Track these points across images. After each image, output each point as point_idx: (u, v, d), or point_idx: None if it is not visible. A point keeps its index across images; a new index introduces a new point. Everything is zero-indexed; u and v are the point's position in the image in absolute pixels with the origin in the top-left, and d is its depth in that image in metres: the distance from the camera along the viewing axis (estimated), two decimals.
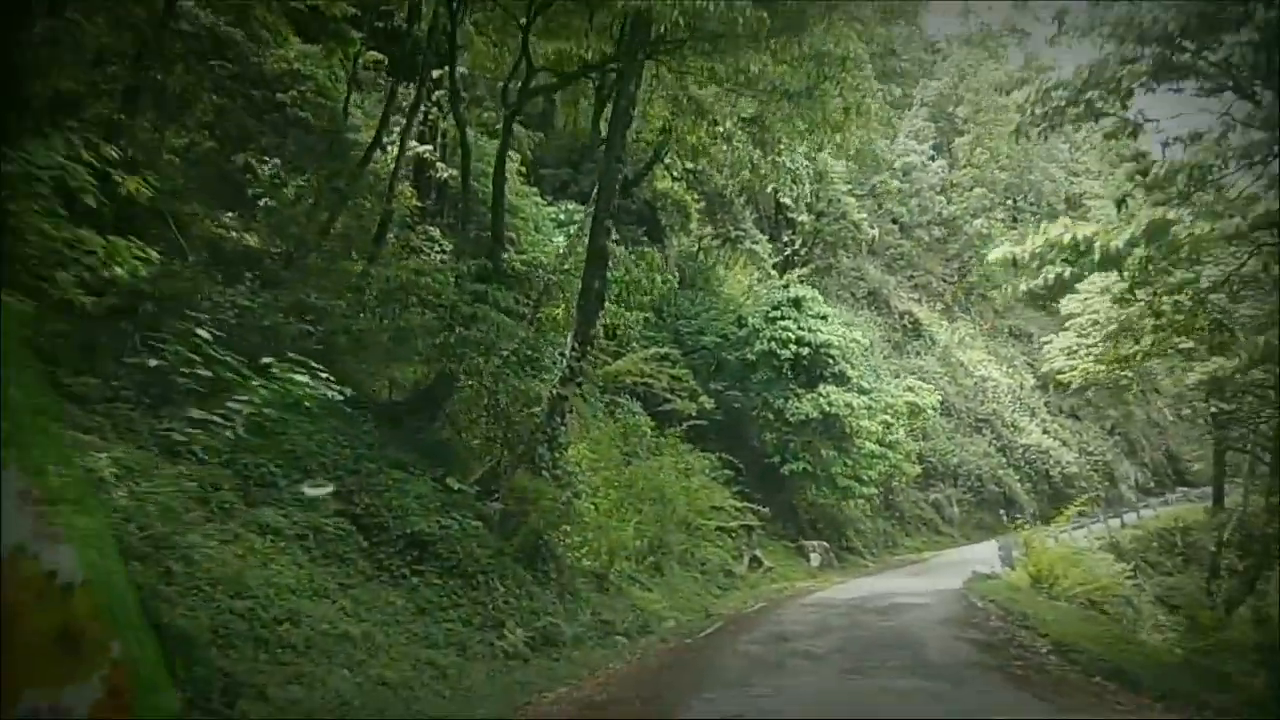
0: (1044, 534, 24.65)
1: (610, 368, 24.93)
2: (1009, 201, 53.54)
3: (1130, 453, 50.80)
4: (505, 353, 14.10)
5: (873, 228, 41.90)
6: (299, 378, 8.29)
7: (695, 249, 33.15)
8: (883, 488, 30.78)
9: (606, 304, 15.99)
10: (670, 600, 17.45)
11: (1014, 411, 44.29)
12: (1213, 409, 28.78)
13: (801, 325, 28.20)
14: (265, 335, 11.79)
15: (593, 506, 16.92)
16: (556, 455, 14.14)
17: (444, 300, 14.06)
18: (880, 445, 28.55)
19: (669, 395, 25.39)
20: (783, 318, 28.34)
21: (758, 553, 23.96)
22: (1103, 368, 32.14)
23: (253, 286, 12.53)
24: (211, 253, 13.35)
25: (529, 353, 14.42)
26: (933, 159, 48.93)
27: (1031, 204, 53.65)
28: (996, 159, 50.56)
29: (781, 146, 27.66)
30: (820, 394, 27.22)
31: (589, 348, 15.13)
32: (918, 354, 43.02)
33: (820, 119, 16.42)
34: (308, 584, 9.75)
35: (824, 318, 29.22)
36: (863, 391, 28.59)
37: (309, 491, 10.41)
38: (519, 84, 15.78)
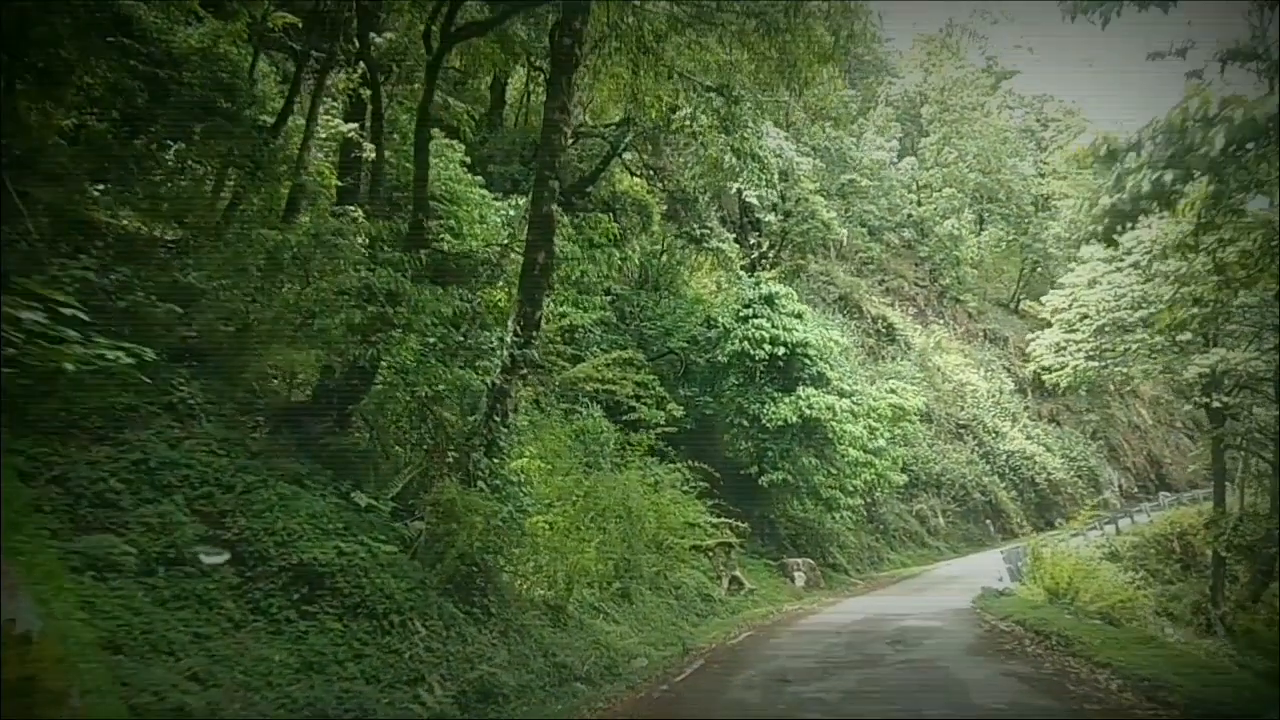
0: (1047, 543, 22.38)
1: (568, 373, 22.45)
2: (979, 203, 52.02)
3: (1112, 458, 49.14)
4: (432, 339, 11.56)
5: (843, 227, 39.91)
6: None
7: (659, 248, 30.77)
8: (867, 499, 28.42)
9: (555, 284, 13.46)
10: (641, 633, 14.86)
11: (995, 417, 42.37)
12: (1215, 402, 26.83)
13: (775, 324, 25.89)
14: (125, 319, 9.27)
15: (547, 526, 14.33)
16: (497, 463, 11.54)
17: (356, 277, 11.47)
18: (864, 452, 26.21)
19: (634, 403, 22.99)
20: (755, 316, 26.01)
21: (737, 573, 21.45)
22: (1094, 364, 30.27)
23: (103, 260, 9.94)
24: (85, 235, 10.84)
25: (461, 339, 11.86)
26: (901, 157, 47.21)
27: (1001, 205, 52.20)
28: (964, 158, 49.01)
29: (748, 130, 25.47)
30: (799, 397, 24.87)
31: (535, 333, 12.61)
32: (893, 359, 40.96)
33: (804, 50, 14.10)
34: (142, 638, 7.09)
35: (799, 316, 26.96)
36: (844, 394, 26.28)
37: (206, 560, 8.34)
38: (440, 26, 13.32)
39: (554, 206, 12.70)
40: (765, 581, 22.85)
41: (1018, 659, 10.88)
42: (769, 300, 26.56)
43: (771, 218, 38.68)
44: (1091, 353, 29.72)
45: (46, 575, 6.34)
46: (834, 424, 24.96)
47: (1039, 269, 54.71)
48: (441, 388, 10.96)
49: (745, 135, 25.52)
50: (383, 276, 11.23)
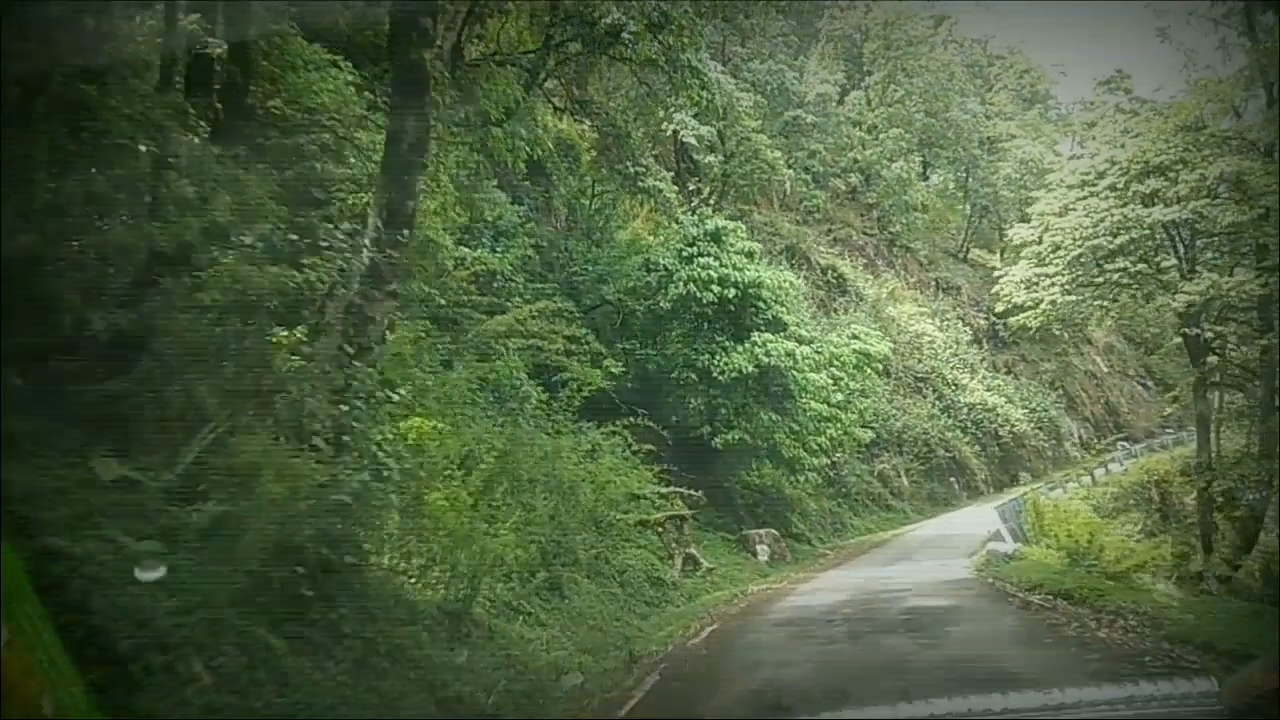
0: (1041, 496, 19.55)
1: (484, 326, 18.67)
2: (926, 147, 49.36)
3: (1070, 408, 47.24)
4: (248, 237, 7.88)
5: (788, 167, 36.73)
6: None
7: (588, 190, 27.13)
8: (830, 459, 25.36)
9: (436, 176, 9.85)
10: (575, 636, 11.41)
11: (954, 368, 39.86)
12: (1208, 332, 24.33)
13: (724, 262, 22.57)
14: None
15: (446, 503, 10.71)
16: (349, 412, 7.86)
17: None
18: (829, 405, 23.09)
19: (565, 361, 19.45)
20: (701, 255, 22.64)
21: (692, 550, 18.17)
22: (1072, 298, 27.61)
23: None
24: None
25: (293, 236, 8.20)
26: (845, 94, 44.14)
27: (949, 147, 49.64)
28: (910, 97, 46.19)
29: (685, 37, 21.94)
30: (754, 344, 21.61)
31: (406, 234, 8.94)
32: (845, 311, 38.02)
33: None
34: None
35: (750, 255, 23.67)
36: (802, 340, 23.09)
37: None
38: None
39: (428, 54, 9.00)
40: (724, 558, 19.63)
41: (1101, 650, 7.71)
42: (715, 237, 23.21)
43: (711, 159, 35.29)
44: (1068, 286, 27.01)
45: None
46: (795, 373, 21.78)
47: (989, 214, 52.49)
48: (255, 296, 7.26)
49: (682, 41, 22.02)
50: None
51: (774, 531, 21.57)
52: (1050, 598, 10.94)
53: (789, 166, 37.26)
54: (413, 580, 9.80)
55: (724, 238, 23.27)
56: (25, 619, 2.49)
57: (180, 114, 7.34)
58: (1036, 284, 28.62)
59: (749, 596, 15.61)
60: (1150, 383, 57.16)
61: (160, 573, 5.96)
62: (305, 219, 8.28)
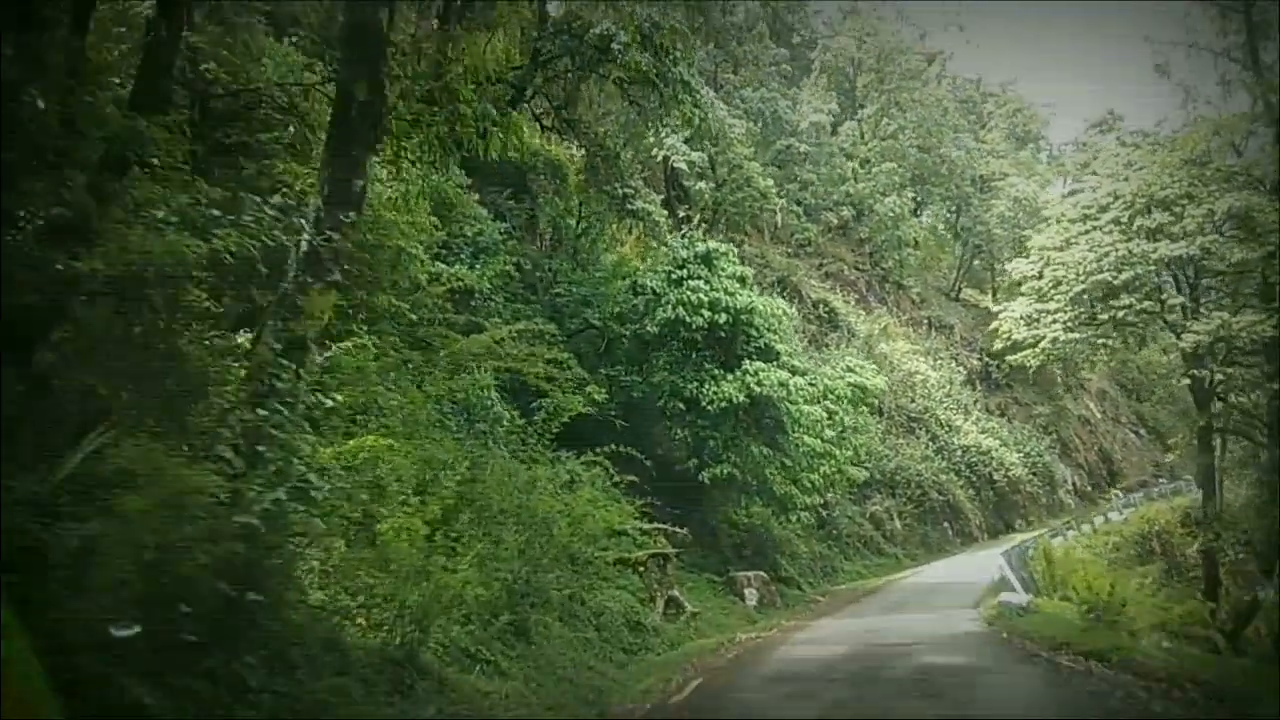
0: (1046, 540, 18.27)
1: (459, 345, 17.38)
2: (918, 183, 48.70)
3: (1065, 454, 46.13)
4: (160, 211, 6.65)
5: (780, 196, 35.84)
6: None
7: (575, 211, 26.02)
8: (822, 499, 24.04)
9: (391, 129, 8.63)
10: (541, 689, 9.99)
11: (947, 409, 38.69)
12: (1218, 374, 23.29)
13: (715, 286, 21.41)
14: None
15: (395, 533, 9.33)
16: (268, 418, 6.52)
17: None
18: (823, 441, 21.83)
19: (545, 385, 18.16)
20: (691, 277, 21.50)
21: (675, 592, 16.75)
22: (1075, 335, 26.58)
23: None
24: None
25: (215, 211, 6.93)
26: (838, 125, 43.46)
27: (941, 184, 49.00)
28: (904, 130, 45.61)
29: (678, 51, 20.99)
30: (745, 372, 20.38)
31: (353, 214, 7.69)
32: (837, 346, 36.90)
33: None
34: None
35: (742, 280, 22.54)
36: (796, 371, 21.89)
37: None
38: None
39: (384, 13, 7.82)
40: (710, 602, 18.21)
41: None
42: (707, 260, 22.09)
43: (702, 185, 34.40)
44: (1070, 323, 25.99)
45: None
46: (788, 405, 20.52)
47: (981, 253, 51.82)
48: (154, 270, 5.97)
49: (674, 54, 21.08)
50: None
51: (763, 574, 20.16)
52: (1079, 658, 9.61)
53: (781, 196, 36.37)
54: (353, 622, 8.43)
55: (715, 261, 22.16)
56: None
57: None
58: (1038, 320, 27.68)
59: (737, 645, 14.18)
60: (1143, 430, 56.35)
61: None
62: (228, 189, 7.01)
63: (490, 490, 12.19)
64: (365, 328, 12.89)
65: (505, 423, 13.78)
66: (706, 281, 21.47)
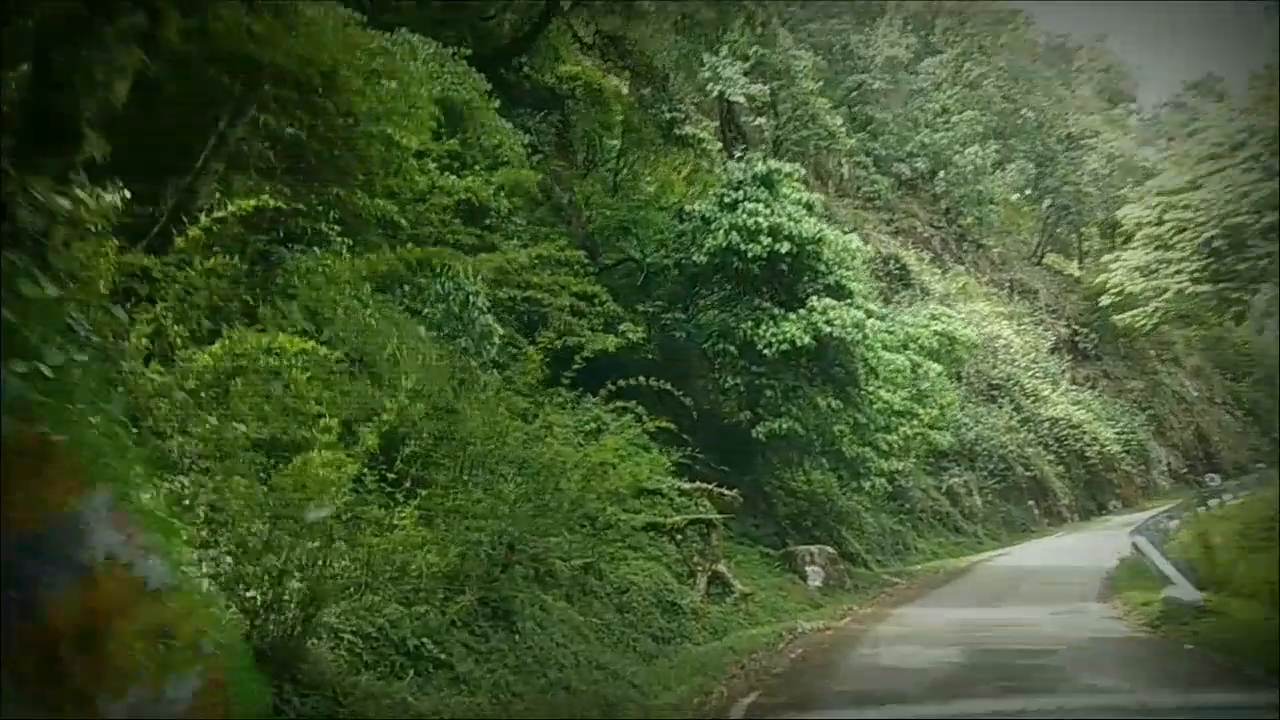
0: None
1: (462, 264, 14.18)
2: (1001, 137, 44.30)
3: (1158, 433, 41.67)
4: None
5: (850, 136, 32.09)
6: None
7: (615, 130, 22.72)
8: (902, 463, 20.46)
9: None
10: (516, 701, 6.84)
11: (1033, 376, 34.70)
12: None
13: (777, 211, 17.95)
14: None
15: (305, 464, 6.15)
16: None
17: None
18: (903, 398, 18.33)
19: (573, 321, 14.98)
20: (747, 199, 18.05)
21: (722, 567, 13.49)
22: (1204, 288, 22.54)
23: None
24: None
25: None
26: (918, 59, 39.35)
27: (1027, 138, 44.59)
28: (987, 76, 41.29)
29: None
30: (812, 310, 16.93)
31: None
32: (909, 304, 33.09)
33: None
34: None
35: (809, 206, 19.03)
36: (872, 314, 18.40)
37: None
38: None
39: None
40: (764, 580, 14.91)
41: None
42: (766, 181, 18.61)
43: (761, 121, 30.78)
44: (1198, 274, 21.96)
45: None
46: (864, 350, 17.04)
47: (1068, 215, 47.26)
48: None
49: None
50: None
51: (829, 550, 16.76)
52: None
53: (850, 135, 32.61)
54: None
55: (777, 183, 18.67)
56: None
57: None
58: (1155, 271, 23.68)
59: (800, 639, 10.91)
60: (1238, 412, 51.44)
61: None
62: None
63: (469, 425, 9.10)
64: (337, 230, 9.95)
65: (496, 340, 10.55)
66: (766, 205, 18.03)
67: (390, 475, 7.07)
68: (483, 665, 7.09)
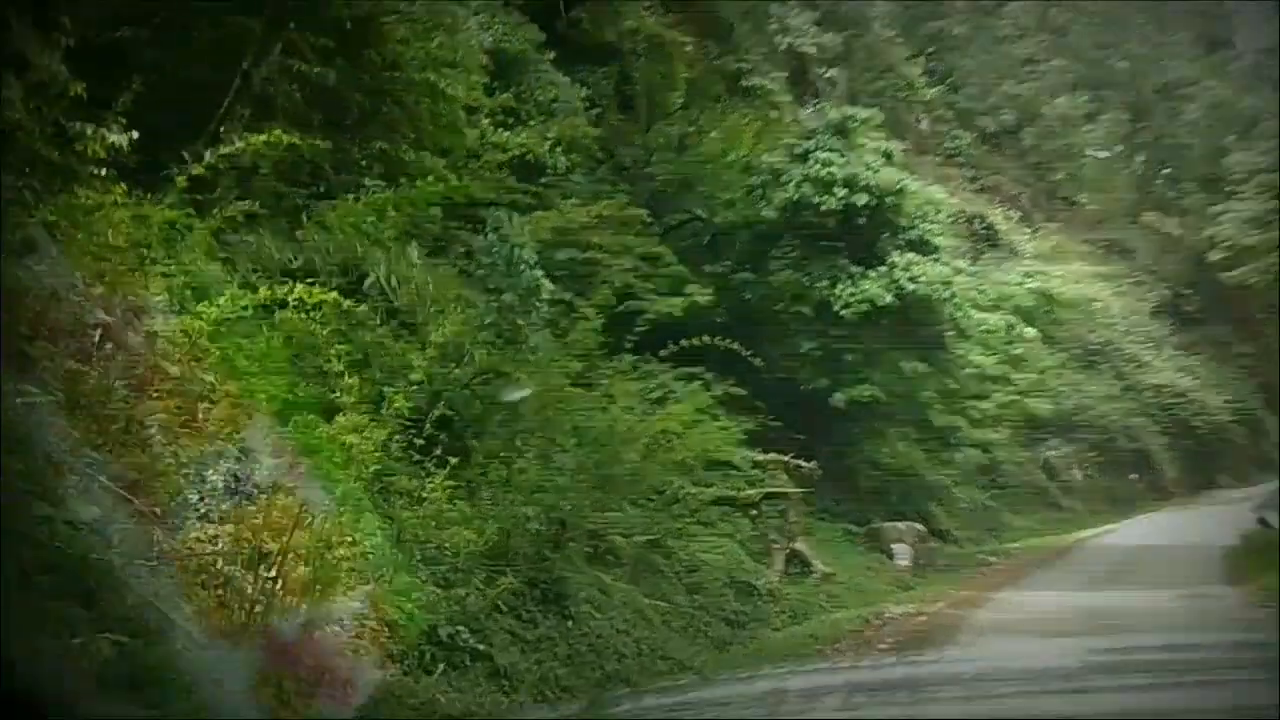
0: None
1: (519, 221, 13.28)
2: (1091, 88, 41.64)
3: (1268, 402, 38.83)
4: None
5: (929, 88, 30.29)
6: None
7: (678, 82, 21.52)
8: (997, 433, 18.98)
9: None
10: (564, 697, 5.93)
11: (1134, 341, 32.50)
12: None
13: (853, 161, 16.65)
14: None
15: (332, 432, 5.28)
16: None
17: None
18: (998, 362, 16.89)
19: (636, 283, 14.03)
20: (820, 149, 16.77)
21: (801, 545, 12.43)
22: None
23: None
24: None
25: None
26: (1003, 3, 37.11)
27: (1120, 86, 41.79)
28: (1077, 21, 38.75)
29: None
30: (895, 266, 15.62)
31: None
32: (998, 265, 31.21)
33: None
34: None
35: (889, 156, 17.67)
36: (960, 271, 16.99)
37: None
38: None
39: None
40: (847, 559, 13.80)
41: None
42: (841, 130, 17.30)
43: (834, 73, 29.17)
44: None
45: None
46: (953, 309, 15.66)
47: (1166, 169, 44.28)
48: None
49: None
50: None
51: (918, 527, 15.50)
52: None
53: (929, 89, 30.81)
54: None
55: (853, 131, 17.33)
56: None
57: None
58: (1271, 223, 21.58)
59: (890, 627, 9.76)
60: None
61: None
62: None
63: (520, 389, 8.22)
64: (382, 186, 9.22)
65: (545, 295, 9.61)
66: (841, 155, 16.73)
67: (419, 441, 6.21)
68: (529, 656, 6.20)
